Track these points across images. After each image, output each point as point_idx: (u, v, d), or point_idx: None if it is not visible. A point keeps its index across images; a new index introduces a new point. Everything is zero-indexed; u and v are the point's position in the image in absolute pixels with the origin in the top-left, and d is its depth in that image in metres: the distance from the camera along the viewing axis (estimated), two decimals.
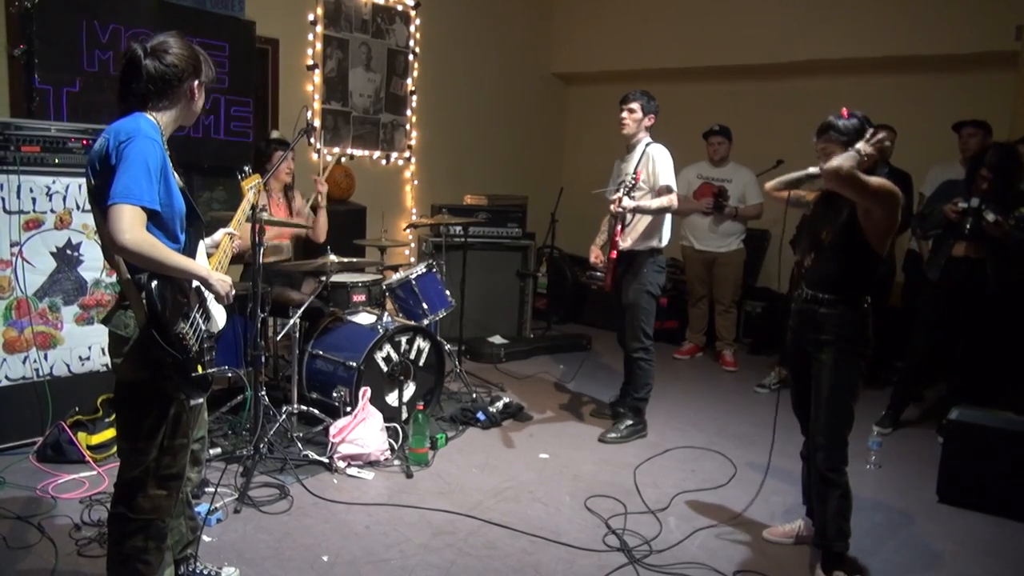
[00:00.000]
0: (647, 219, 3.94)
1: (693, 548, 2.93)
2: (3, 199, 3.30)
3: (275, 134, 5.01)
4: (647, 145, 4.00)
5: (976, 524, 3.30)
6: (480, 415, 4.15)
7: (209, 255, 2.30)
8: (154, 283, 1.88)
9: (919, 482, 3.66)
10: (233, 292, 2.15)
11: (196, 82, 2.05)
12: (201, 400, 2.13)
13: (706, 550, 2.93)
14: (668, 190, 3.90)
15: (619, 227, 3.90)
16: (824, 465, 2.73)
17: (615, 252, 3.94)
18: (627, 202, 3.81)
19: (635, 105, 3.99)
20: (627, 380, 4.23)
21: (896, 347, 5.46)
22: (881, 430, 4.29)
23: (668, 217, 4.03)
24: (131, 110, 1.98)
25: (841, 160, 2.55)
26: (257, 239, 3.28)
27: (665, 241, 4.04)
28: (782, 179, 3.02)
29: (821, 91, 6.36)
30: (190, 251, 2.07)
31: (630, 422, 4.10)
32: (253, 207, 2.97)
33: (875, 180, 2.54)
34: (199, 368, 1.99)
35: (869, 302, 2.72)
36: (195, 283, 2.06)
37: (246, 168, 2.92)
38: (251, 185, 2.79)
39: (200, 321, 2.07)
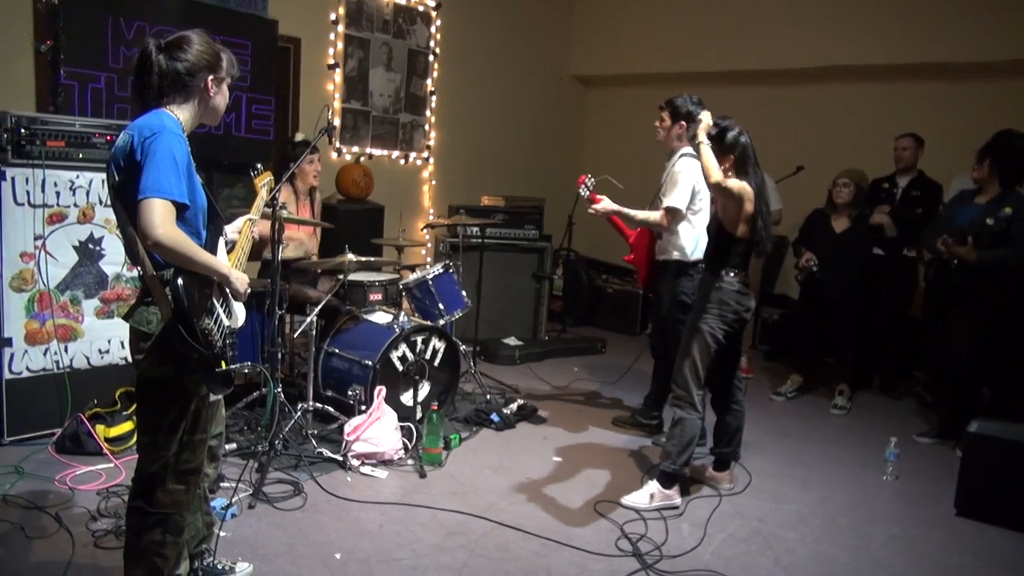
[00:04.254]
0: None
1: (707, 556, 2.92)
2: (28, 193, 3.35)
3: (299, 136, 5.04)
4: (680, 156, 3.84)
5: (994, 538, 3.26)
6: (494, 416, 4.15)
7: (232, 243, 2.31)
8: (180, 279, 1.88)
9: (937, 495, 3.62)
10: (249, 290, 2.16)
11: (211, 77, 2.04)
12: (219, 396, 2.14)
13: (720, 558, 2.90)
14: (666, 208, 3.76)
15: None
16: (673, 401, 3.33)
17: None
18: (604, 205, 3.78)
19: (664, 113, 3.89)
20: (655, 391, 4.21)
21: (916, 357, 5.43)
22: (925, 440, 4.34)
23: (693, 231, 3.82)
24: (148, 106, 1.99)
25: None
26: (276, 236, 3.31)
27: (690, 254, 3.81)
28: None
29: (843, 97, 6.33)
30: (211, 247, 2.09)
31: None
32: (273, 202, 2.98)
33: (729, 183, 3.14)
34: (223, 364, 2.00)
35: (734, 274, 3.21)
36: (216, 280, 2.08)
37: (258, 165, 2.93)
38: (263, 182, 2.79)
39: (223, 317, 2.08)
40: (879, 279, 5.03)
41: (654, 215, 3.81)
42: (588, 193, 3.81)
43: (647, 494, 3.28)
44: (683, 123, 3.82)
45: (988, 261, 3.96)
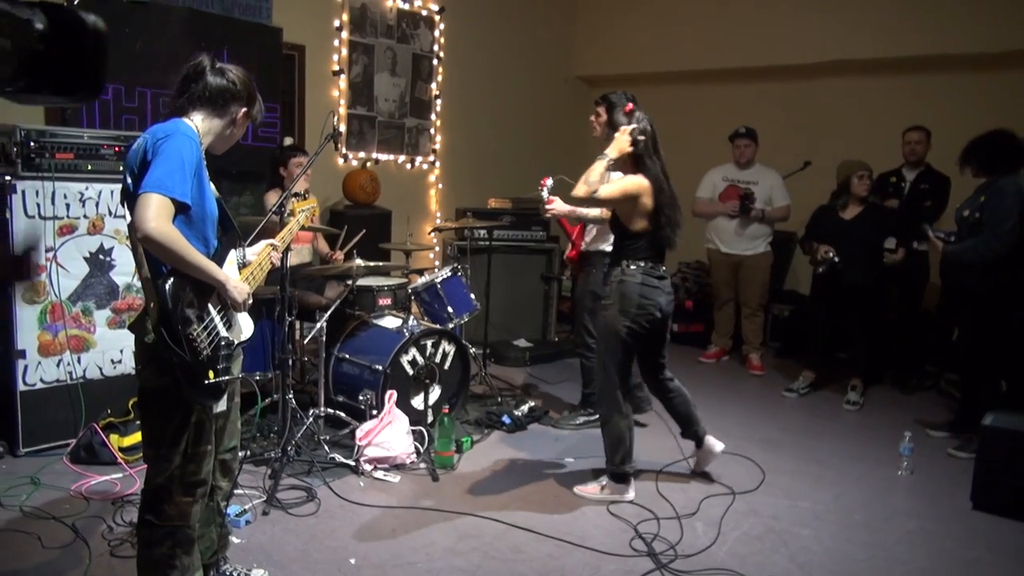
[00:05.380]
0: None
1: (721, 554, 2.90)
2: (38, 205, 3.37)
3: (288, 141, 5.06)
4: None
5: (1011, 531, 3.23)
6: (505, 418, 4.15)
7: (246, 264, 2.28)
8: (169, 281, 1.88)
9: (952, 489, 3.59)
10: (250, 301, 2.14)
11: (244, 110, 2.13)
12: (221, 408, 2.12)
13: (735, 556, 2.89)
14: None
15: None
16: (597, 402, 3.40)
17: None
18: (556, 206, 3.84)
19: (600, 108, 3.91)
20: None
21: (929, 352, 5.39)
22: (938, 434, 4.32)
23: None
24: (175, 113, 2.04)
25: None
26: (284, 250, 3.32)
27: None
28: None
29: (849, 91, 6.29)
30: (220, 258, 2.09)
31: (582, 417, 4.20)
32: (280, 209, 2.98)
33: (605, 191, 3.11)
34: (210, 375, 1.97)
35: (635, 267, 3.16)
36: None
37: (305, 192, 2.93)
38: (304, 208, 2.77)
39: (220, 327, 2.05)
40: (891, 273, 4.99)
41: (595, 211, 3.85)
42: (547, 196, 3.82)
43: (598, 486, 3.38)
44: None
45: (954, 254, 3.95)
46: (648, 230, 3.14)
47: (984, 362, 4.05)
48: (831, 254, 4.71)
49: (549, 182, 3.71)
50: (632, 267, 3.15)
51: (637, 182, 3.12)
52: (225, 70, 2.09)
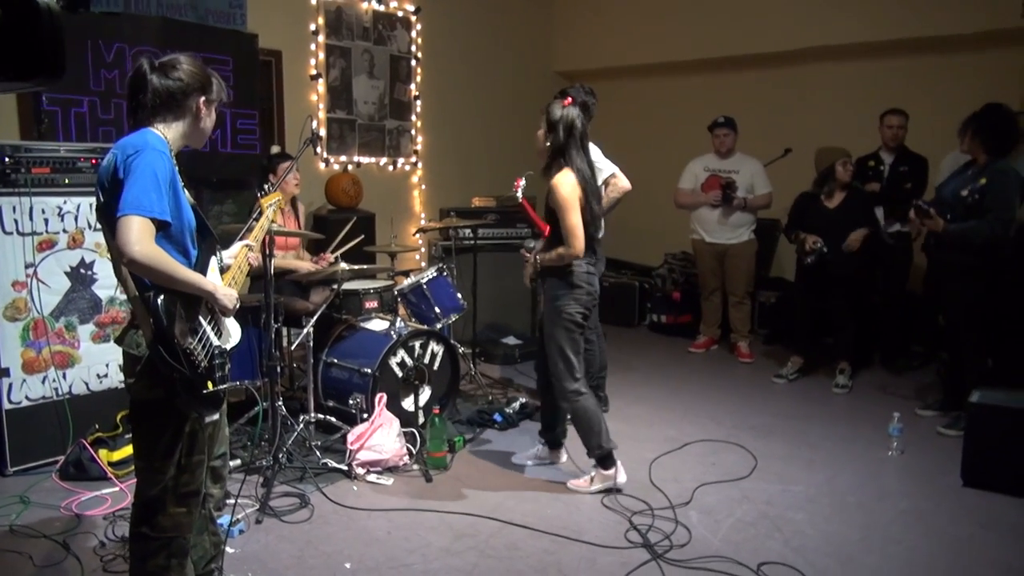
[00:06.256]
0: None
1: (716, 542, 2.92)
2: (16, 221, 3.34)
3: (275, 149, 5.04)
4: None
5: (1002, 506, 3.26)
6: (497, 416, 4.15)
7: (226, 267, 2.28)
8: (160, 298, 1.86)
9: (943, 467, 3.62)
10: (238, 306, 2.13)
11: (203, 99, 2.06)
12: (216, 416, 2.11)
13: (730, 543, 2.91)
14: None
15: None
16: (559, 397, 3.34)
17: None
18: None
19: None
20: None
21: (916, 333, 5.43)
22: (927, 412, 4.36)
23: None
24: (139, 125, 1.99)
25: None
26: (267, 251, 3.30)
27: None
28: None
29: (825, 77, 6.33)
30: (202, 266, 2.07)
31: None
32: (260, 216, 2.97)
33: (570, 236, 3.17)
34: (209, 385, 1.97)
35: (575, 270, 3.24)
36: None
37: (267, 186, 2.92)
38: (271, 203, 2.77)
39: (212, 336, 2.04)
40: (875, 256, 5.02)
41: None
42: (521, 198, 3.81)
43: (588, 478, 3.39)
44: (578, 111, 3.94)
45: (955, 232, 3.96)
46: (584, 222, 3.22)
47: (971, 339, 4.09)
48: (819, 244, 4.74)
49: (522, 183, 3.72)
50: (572, 269, 3.26)
51: (574, 186, 3.16)
52: (167, 67, 1.99)
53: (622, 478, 3.35)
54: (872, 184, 5.15)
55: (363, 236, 4.16)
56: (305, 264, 4.23)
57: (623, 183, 4.07)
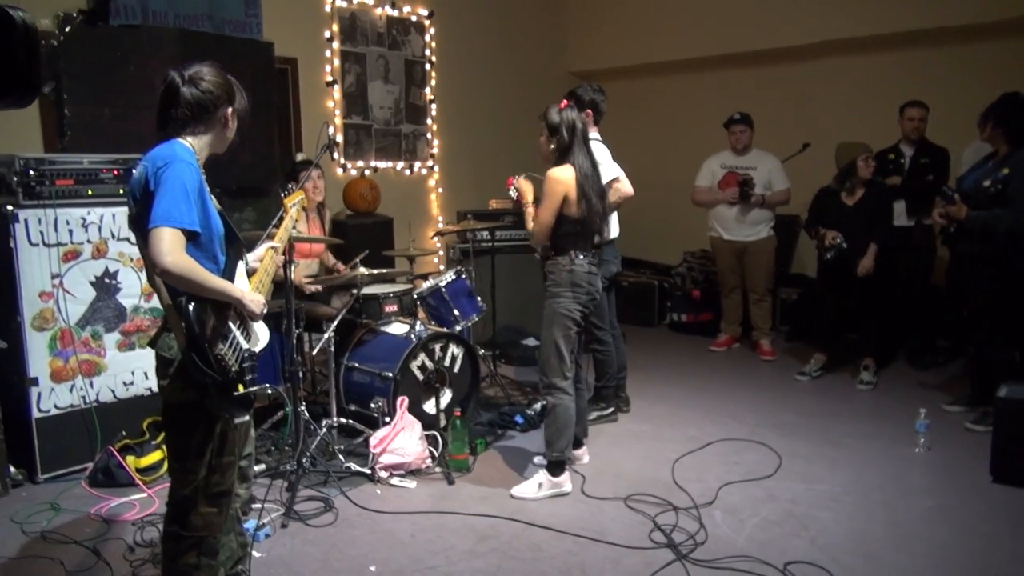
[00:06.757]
0: None
1: (741, 541, 2.90)
2: (42, 233, 3.39)
3: (300, 156, 5.08)
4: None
5: None
6: (518, 418, 4.16)
7: (252, 270, 2.32)
8: (191, 306, 1.92)
9: (971, 463, 3.57)
10: (265, 311, 2.17)
11: (230, 109, 2.13)
12: (247, 418, 2.16)
13: (755, 543, 2.89)
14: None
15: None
16: (544, 390, 3.36)
17: None
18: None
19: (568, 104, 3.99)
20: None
21: (941, 327, 5.36)
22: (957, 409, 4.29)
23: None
24: (168, 136, 2.05)
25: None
26: (288, 257, 3.33)
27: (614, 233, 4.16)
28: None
29: (842, 70, 6.27)
30: (230, 271, 2.12)
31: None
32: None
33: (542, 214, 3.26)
34: (240, 387, 2.02)
35: (583, 256, 3.28)
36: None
37: (290, 185, 2.94)
38: (294, 202, 2.79)
39: (241, 341, 2.09)
40: (897, 249, 4.97)
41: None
42: (517, 195, 3.81)
43: (535, 484, 3.35)
44: (588, 111, 4.04)
45: (977, 220, 3.91)
46: (580, 219, 3.24)
47: (997, 332, 4.03)
48: (839, 240, 4.69)
49: (517, 181, 3.74)
50: (580, 257, 3.28)
51: (560, 182, 3.20)
52: (197, 79, 2.04)
53: (568, 487, 3.35)
54: (893, 177, 5.09)
55: (367, 251, 4.13)
56: (307, 287, 4.22)
57: (625, 188, 4.04)
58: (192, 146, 2.04)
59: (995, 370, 3.98)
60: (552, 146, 3.28)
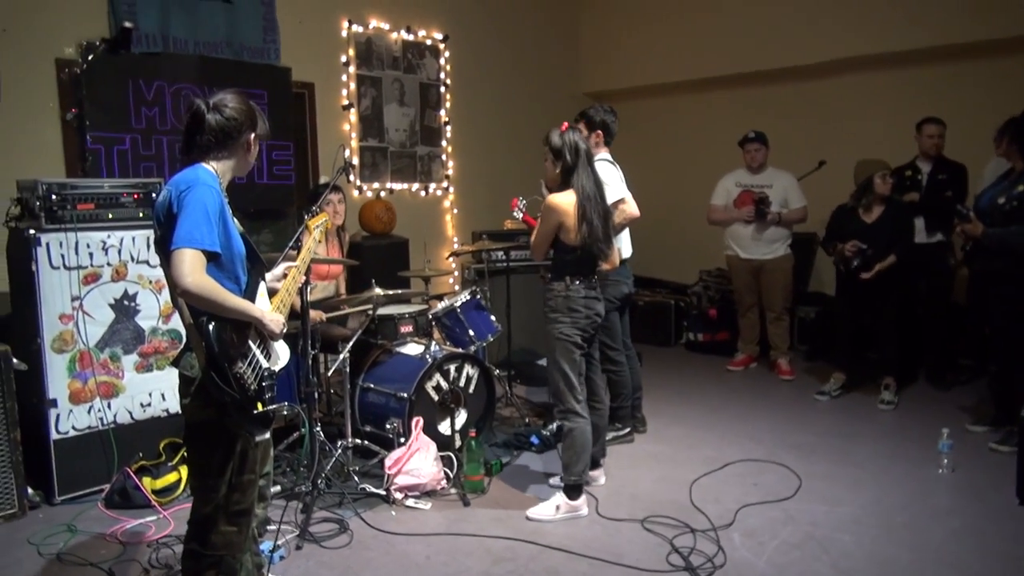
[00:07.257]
0: None
1: (761, 564, 2.85)
2: (63, 256, 3.44)
3: (324, 179, 5.13)
4: (598, 161, 3.84)
5: None
6: (534, 439, 4.13)
7: (274, 291, 2.35)
8: (212, 325, 1.95)
9: (997, 484, 3.50)
10: (284, 330, 2.20)
11: (252, 135, 2.19)
12: (266, 436, 2.19)
13: (775, 566, 2.83)
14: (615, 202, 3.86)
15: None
16: (559, 415, 3.36)
17: None
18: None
19: (580, 124, 4.01)
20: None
21: (962, 346, 5.28)
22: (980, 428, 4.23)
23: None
24: (193, 161, 2.10)
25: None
26: (305, 277, 3.34)
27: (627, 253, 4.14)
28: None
29: (857, 88, 6.26)
30: (251, 291, 2.16)
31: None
32: (298, 244, 3.01)
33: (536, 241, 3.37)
34: (259, 406, 2.05)
35: (579, 282, 3.28)
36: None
37: (314, 208, 2.97)
38: (318, 223, 2.82)
39: (261, 360, 2.12)
40: (917, 267, 4.91)
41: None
42: (522, 215, 3.81)
43: (552, 506, 3.31)
44: (599, 132, 4.06)
45: (993, 238, 3.87)
46: (579, 244, 3.22)
47: (1018, 349, 3.96)
48: (860, 246, 4.65)
49: (521, 203, 3.75)
50: (576, 283, 3.27)
51: (554, 210, 3.21)
52: (221, 106, 2.11)
53: (585, 510, 3.32)
54: (911, 194, 5.05)
55: (373, 280, 4.13)
56: (315, 313, 4.22)
57: (631, 210, 4.00)
58: (215, 170, 2.10)
59: (1018, 389, 3.90)
60: (557, 169, 3.28)
